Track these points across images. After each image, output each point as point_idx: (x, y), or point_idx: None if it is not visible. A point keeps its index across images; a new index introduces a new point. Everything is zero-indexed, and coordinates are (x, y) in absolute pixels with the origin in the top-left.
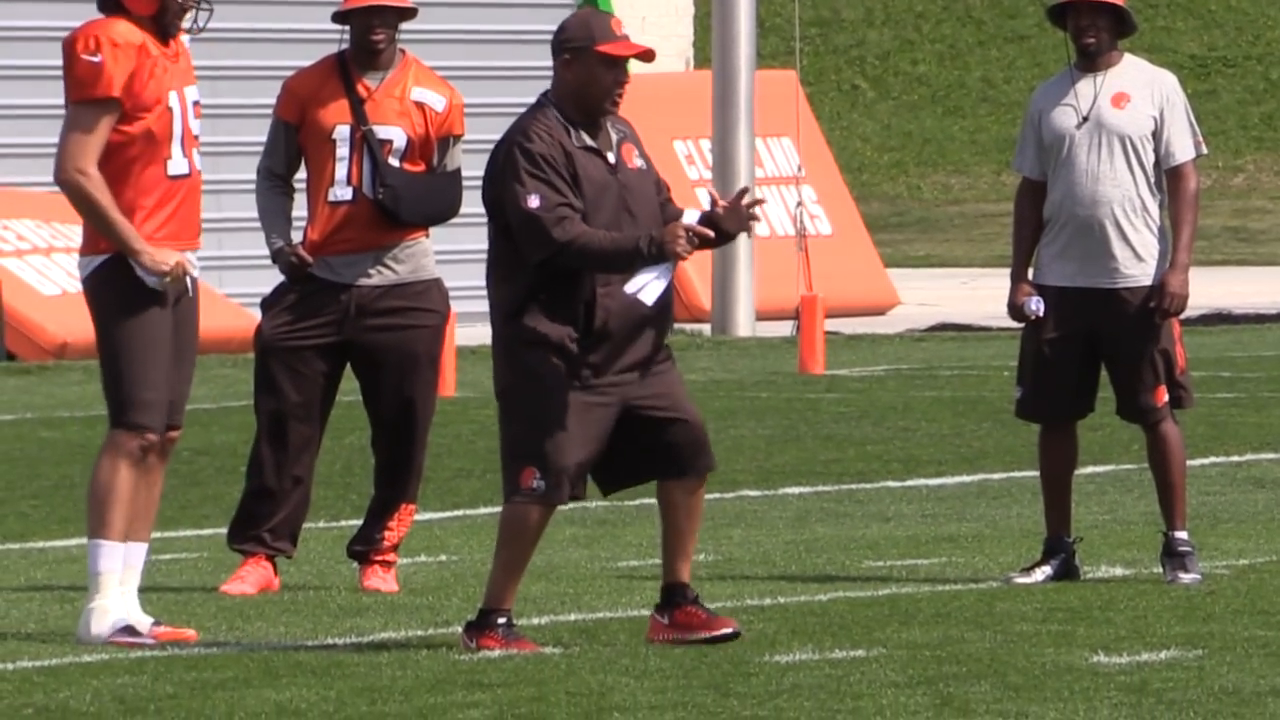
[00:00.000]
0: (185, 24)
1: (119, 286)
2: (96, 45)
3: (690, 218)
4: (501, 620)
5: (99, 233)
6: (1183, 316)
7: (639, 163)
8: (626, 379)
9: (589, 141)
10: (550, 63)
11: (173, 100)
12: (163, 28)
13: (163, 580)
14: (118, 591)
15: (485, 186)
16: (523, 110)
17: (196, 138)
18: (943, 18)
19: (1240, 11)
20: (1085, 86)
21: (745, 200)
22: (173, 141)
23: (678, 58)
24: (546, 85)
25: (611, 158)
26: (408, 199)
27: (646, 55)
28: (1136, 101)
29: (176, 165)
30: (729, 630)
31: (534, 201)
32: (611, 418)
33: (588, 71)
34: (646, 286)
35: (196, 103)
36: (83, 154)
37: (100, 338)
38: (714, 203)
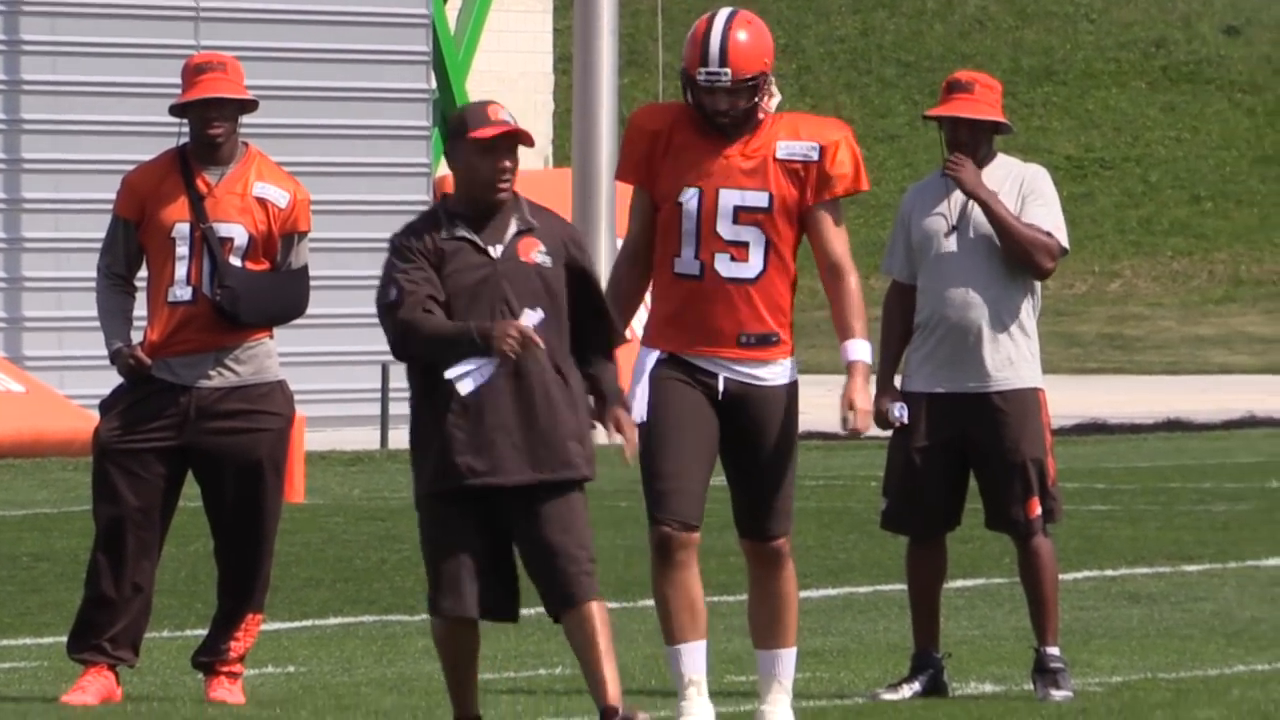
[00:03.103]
0: None
1: None
2: None
3: (530, 319)
4: None
5: None
6: (1056, 426)
7: (539, 259)
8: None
9: (464, 234)
10: (399, 159)
11: None
12: None
13: (1, 690)
14: None
15: None
16: (374, 206)
17: None
18: None
19: (1119, 112)
20: (957, 191)
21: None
22: None
23: (536, 155)
24: (400, 180)
25: (496, 250)
26: (247, 299)
27: (523, 137)
28: (1003, 199)
29: None
30: None
31: (392, 294)
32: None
33: (466, 161)
34: (466, 376)
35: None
36: None
37: None
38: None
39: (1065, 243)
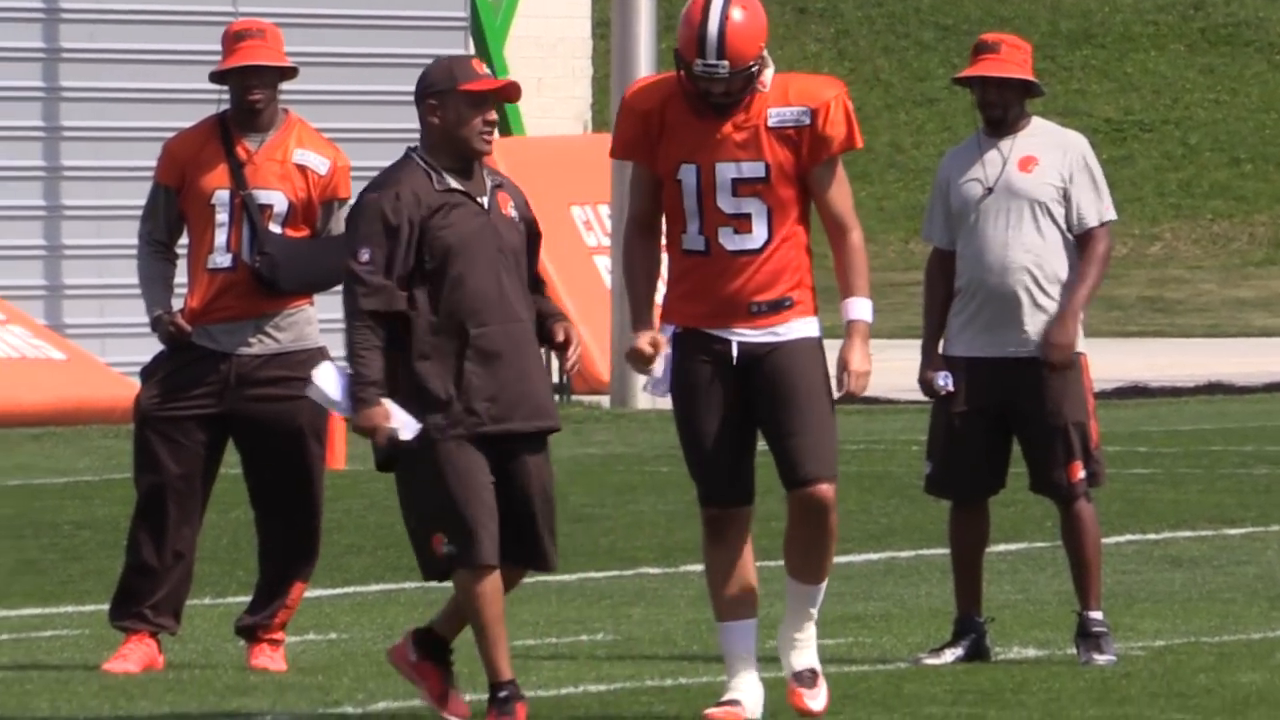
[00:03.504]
0: None
1: None
2: None
3: (407, 433)
4: (502, 694)
5: None
6: (1097, 390)
7: (512, 213)
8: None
9: (455, 184)
10: None
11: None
12: None
13: (43, 658)
14: None
15: None
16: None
17: None
18: (849, 80)
19: (1158, 74)
20: (993, 153)
21: (568, 363)
22: None
23: (575, 120)
24: None
25: (484, 202)
26: (286, 266)
27: (511, 90)
28: (1044, 164)
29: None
30: None
31: (364, 255)
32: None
33: (455, 113)
34: (333, 378)
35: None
36: None
37: None
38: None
39: (1113, 215)
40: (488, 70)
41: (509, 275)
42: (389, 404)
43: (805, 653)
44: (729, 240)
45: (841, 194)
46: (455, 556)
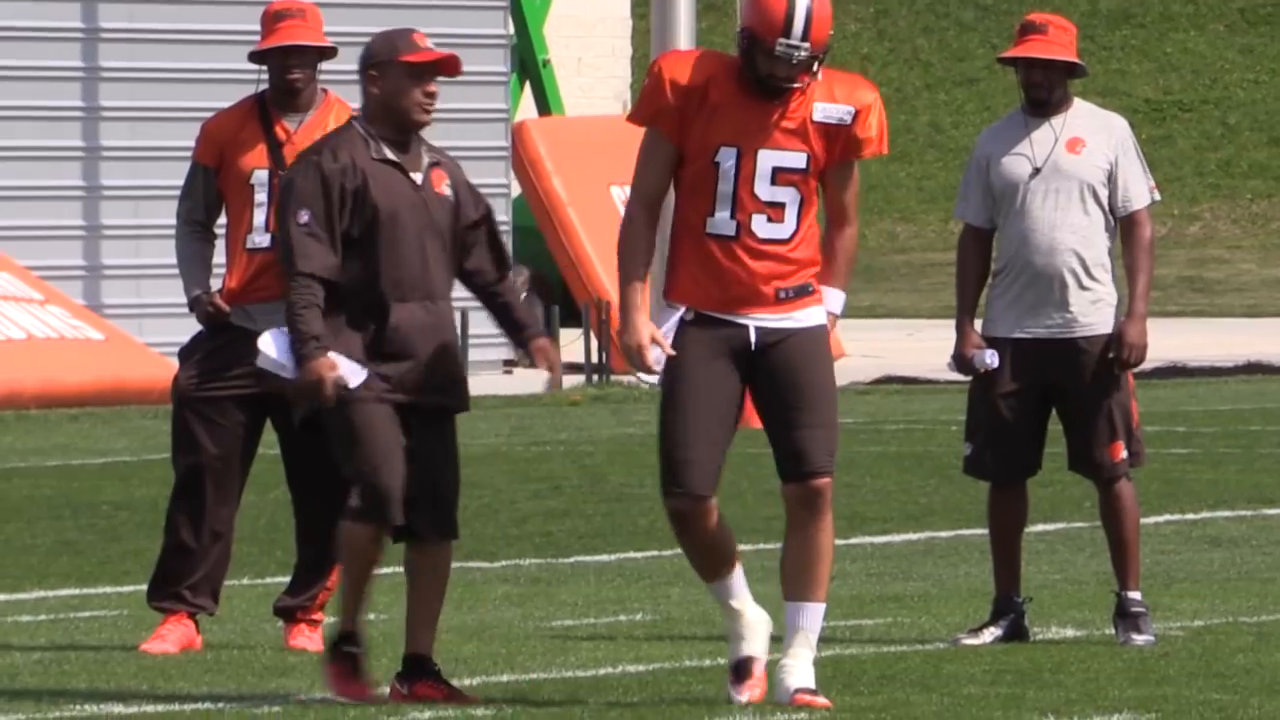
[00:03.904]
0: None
1: None
2: None
3: (354, 379)
4: (348, 648)
5: None
6: (1135, 370)
7: (446, 191)
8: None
9: (390, 155)
10: (478, 104)
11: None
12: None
13: (82, 639)
14: None
15: None
16: (453, 151)
17: None
18: (889, 60)
19: (1197, 55)
20: (1039, 133)
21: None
22: None
23: (615, 100)
24: (478, 125)
25: (418, 178)
26: None
27: (450, 63)
28: (1092, 146)
29: None
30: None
31: (303, 217)
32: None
33: (394, 84)
34: (274, 342)
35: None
36: None
37: None
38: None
39: (1157, 195)
40: (429, 44)
41: (434, 252)
42: (334, 355)
43: (805, 674)
44: (761, 228)
45: (853, 190)
46: (362, 511)
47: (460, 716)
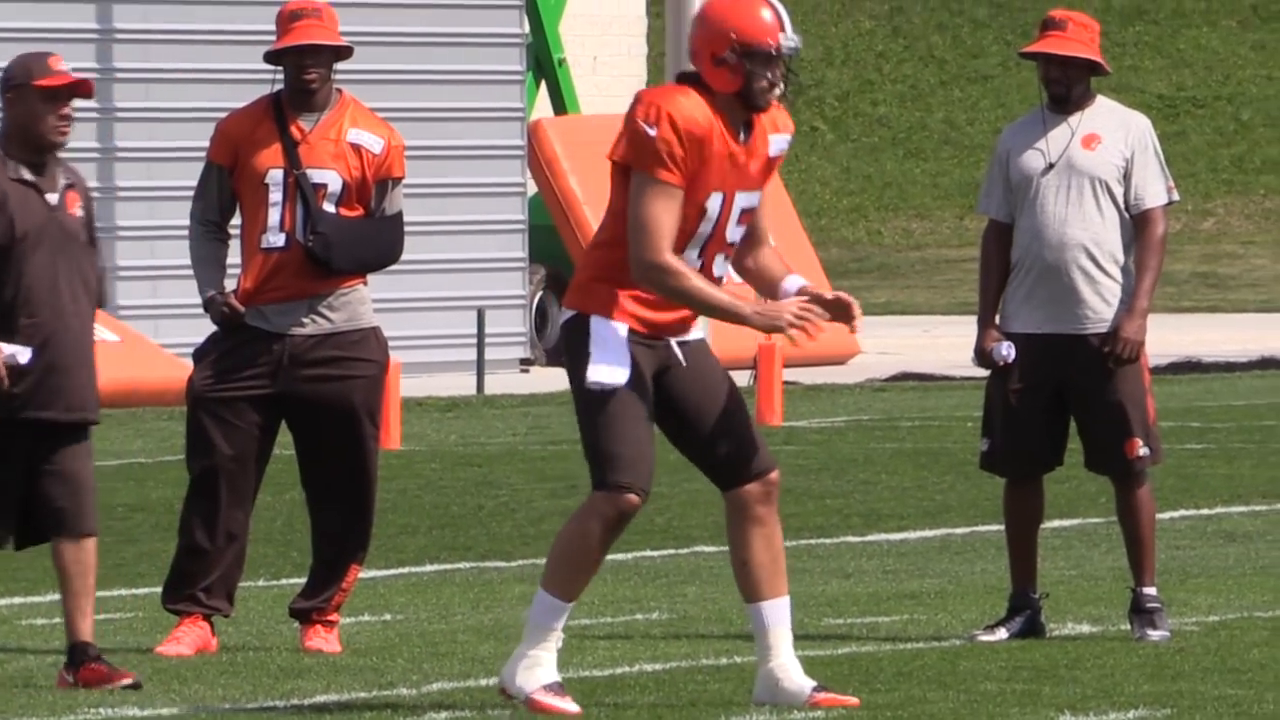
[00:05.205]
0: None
1: None
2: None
3: (21, 358)
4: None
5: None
6: (1151, 365)
7: (79, 213)
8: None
9: (26, 176)
10: (493, 103)
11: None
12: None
13: (96, 641)
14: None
15: None
16: (469, 151)
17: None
18: (904, 57)
19: (1210, 51)
20: (1057, 129)
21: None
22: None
23: (630, 99)
24: (493, 124)
25: (53, 199)
26: (340, 245)
27: (84, 87)
28: (1108, 143)
29: None
30: (128, 682)
31: None
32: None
33: (30, 108)
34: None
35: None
36: None
37: None
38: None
39: (1175, 195)
40: (64, 67)
41: (67, 271)
42: None
43: (802, 673)
44: (718, 266)
45: (769, 208)
46: None
47: (477, 717)
